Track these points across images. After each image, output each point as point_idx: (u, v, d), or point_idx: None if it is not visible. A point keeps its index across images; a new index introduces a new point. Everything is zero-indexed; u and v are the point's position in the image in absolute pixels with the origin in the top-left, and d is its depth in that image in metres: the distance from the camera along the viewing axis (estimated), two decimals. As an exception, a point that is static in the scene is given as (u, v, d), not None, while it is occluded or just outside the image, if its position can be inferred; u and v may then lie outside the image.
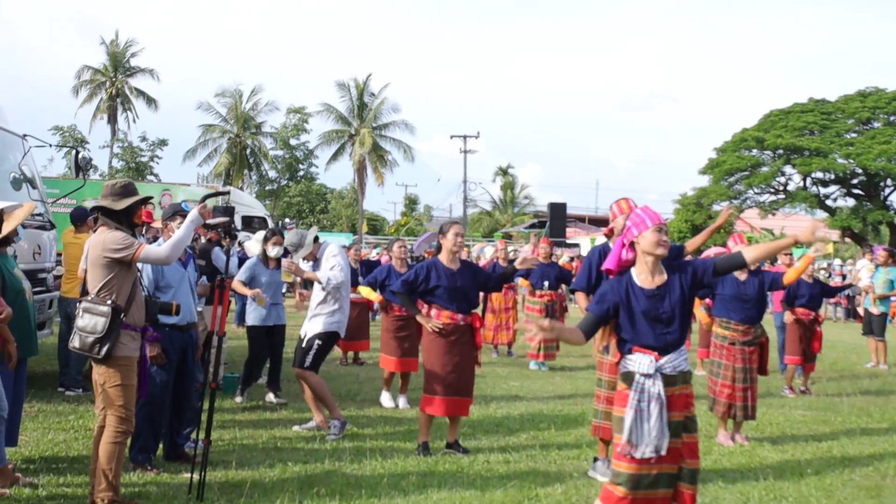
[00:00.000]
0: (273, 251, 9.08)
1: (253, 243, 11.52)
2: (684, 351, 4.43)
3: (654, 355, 4.31)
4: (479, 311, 7.37)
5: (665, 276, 4.44)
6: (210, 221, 6.55)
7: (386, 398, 9.24)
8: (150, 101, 51.83)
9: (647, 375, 4.29)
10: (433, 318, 6.89)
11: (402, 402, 9.13)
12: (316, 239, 8.06)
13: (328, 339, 7.75)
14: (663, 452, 4.25)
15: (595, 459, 6.60)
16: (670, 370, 4.33)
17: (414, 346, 9.05)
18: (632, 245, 4.46)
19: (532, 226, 51.30)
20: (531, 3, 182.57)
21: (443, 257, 7.00)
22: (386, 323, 9.34)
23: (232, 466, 6.32)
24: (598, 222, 63.01)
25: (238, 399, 8.97)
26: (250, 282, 8.96)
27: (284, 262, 8.11)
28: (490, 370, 11.97)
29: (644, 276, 4.43)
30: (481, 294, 11.16)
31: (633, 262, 4.49)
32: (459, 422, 7.23)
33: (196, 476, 5.59)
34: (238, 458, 6.61)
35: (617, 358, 6.29)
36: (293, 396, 9.22)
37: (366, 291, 9.38)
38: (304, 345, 7.72)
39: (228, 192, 22.71)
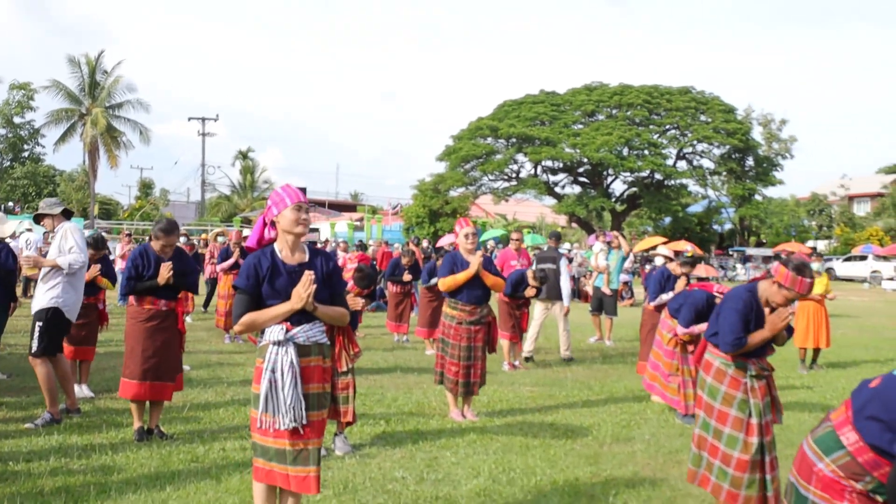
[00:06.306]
0: None
1: None
2: (319, 324, 4.38)
3: (287, 325, 4.25)
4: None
5: (307, 256, 4.44)
6: None
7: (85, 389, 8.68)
8: None
9: (279, 343, 4.23)
10: (136, 307, 6.89)
11: (85, 390, 8.60)
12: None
13: (50, 317, 7.20)
14: (304, 422, 4.19)
15: (335, 435, 6.76)
16: (303, 339, 4.27)
17: (92, 335, 8.69)
18: (273, 224, 4.44)
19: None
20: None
21: (155, 246, 7.00)
22: None
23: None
24: (339, 207, 63.39)
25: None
26: None
27: (26, 255, 7.44)
28: (228, 357, 11.70)
29: (285, 253, 4.40)
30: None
31: (274, 241, 4.47)
32: (161, 408, 7.13)
33: None
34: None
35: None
36: (16, 391, 8.65)
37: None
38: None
39: None
